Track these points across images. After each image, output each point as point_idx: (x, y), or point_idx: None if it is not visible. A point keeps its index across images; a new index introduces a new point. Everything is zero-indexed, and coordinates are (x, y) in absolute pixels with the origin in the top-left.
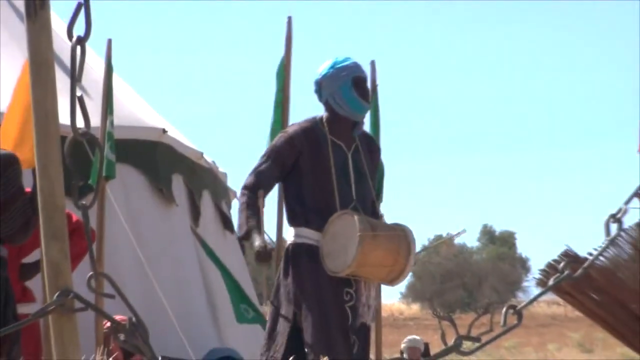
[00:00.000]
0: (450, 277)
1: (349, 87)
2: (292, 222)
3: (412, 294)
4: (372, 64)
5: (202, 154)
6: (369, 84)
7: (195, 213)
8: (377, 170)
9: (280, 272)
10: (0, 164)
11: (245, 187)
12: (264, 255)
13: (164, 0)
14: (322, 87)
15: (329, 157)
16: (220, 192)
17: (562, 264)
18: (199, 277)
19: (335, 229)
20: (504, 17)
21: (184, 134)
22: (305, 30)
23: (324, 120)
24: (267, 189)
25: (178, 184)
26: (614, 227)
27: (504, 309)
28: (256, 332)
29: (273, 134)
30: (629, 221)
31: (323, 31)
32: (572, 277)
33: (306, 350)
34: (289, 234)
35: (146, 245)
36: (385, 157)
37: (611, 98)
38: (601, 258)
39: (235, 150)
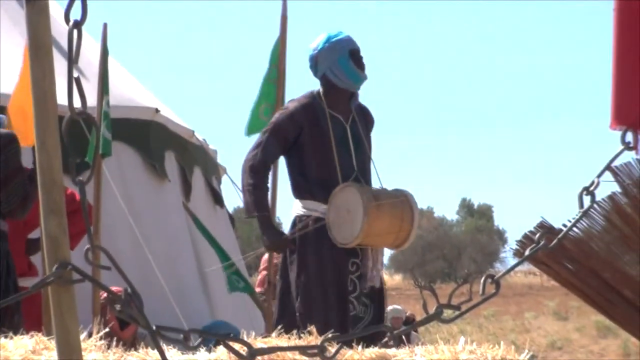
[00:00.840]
0: (431, 249)
1: (347, 59)
2: (297, 194)
3: (395, 265)
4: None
5: (193, 132)
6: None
7: (187, 188)
8: (370, 138)
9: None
10: (0, 143)
11: (251, 167)
12: (280, 246)
13: None
14: (319, 62)
15: (328, 130)
16: (211, 168)
17: (537, 235)
18: (191, 250)
19: (339, 201)
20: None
21: (176, 113)
22: (299, 11)
23: (321, 94)
24: (270, 165)
25: (170, 161)
26: (587, 200)
27: (482, 279)
28: (245, 302)
29: (258, 108)
30: (601, 194)
31: (317, 11)
32: (547, 248)
33: (297, 316)
34: (295, 206)
35: (140, 219)
36: None
37: (586, 75)
38: (575, 229)
39: (225, 128)
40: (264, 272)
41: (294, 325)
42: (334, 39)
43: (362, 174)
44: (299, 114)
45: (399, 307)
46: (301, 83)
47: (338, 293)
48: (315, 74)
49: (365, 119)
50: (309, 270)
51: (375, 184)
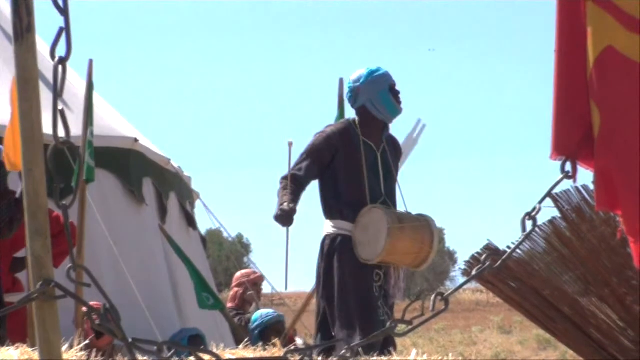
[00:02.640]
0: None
1: (387, 93)
2: (328, 215)
3: None
4: (341, 81)
5: (169, 160)
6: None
7: (163, 212)
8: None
9: (321, 264)
10: None
11: (293, 176)
12: (287, 216)
13: (137, 23)
14: (360, 93)
15: (361, 155)
16: (185, 193)
17: (484, 256)
18: (166, 269)
19: (366, 221)
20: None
21: (154, 143)
22: (263, 48)
23: (357, 122)
24: (306, 185)
25: (148, 187)
26: (529, 224)
27: (433, 297)
28: (215, 318)
29: None
30: (542, 219)
31: (291, 49)
32: (493, 268)
33: (333, 333)
34: (325, 226)
35: (119, 240)
36: None
37: (528, 109)
38: (518, 251)
39: (198, 157)
40: (236, 289)
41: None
42: (376, 74)
43: (390, 198)
44: (335, 137)
45: None
46: None
47: (362, 300)
48: (354, 104)
49: (395, 149)
50: (335, 284)
51: (400, 208)
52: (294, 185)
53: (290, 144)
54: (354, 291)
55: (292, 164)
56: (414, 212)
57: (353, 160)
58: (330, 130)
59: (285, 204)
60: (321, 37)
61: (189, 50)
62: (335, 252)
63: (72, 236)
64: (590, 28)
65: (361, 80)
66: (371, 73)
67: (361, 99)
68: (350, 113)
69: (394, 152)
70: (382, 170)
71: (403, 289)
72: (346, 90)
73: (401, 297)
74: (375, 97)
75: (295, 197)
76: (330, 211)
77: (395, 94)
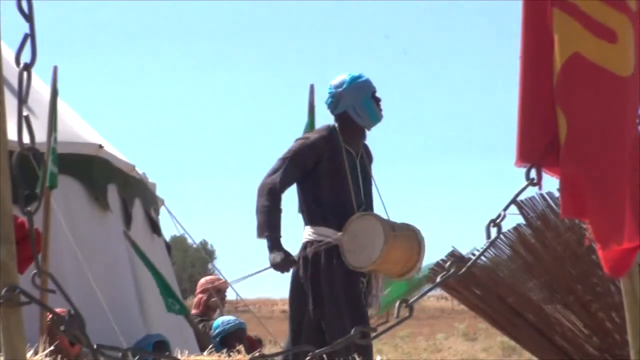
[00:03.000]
0: None
1: (370, 99)
2: (310, 221)
3: None
4: (311, 87)
5: (134, 166)
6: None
7: (128, 218)
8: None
9: (297, 270)
10: None
11: (270, 190)
12: (285, 266)
13: (102, 30)
14: (341, 99)
15: (344, 162)
16: (150, 200)
17: (448, 263)
18: (130, 276)
19: (357, 228)
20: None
21: (118, 149)
22: (236, 56)
23: (337, 129)
24: (283, 192)
25: (113, 193)
26: (494, 231)
27: (397, 304)
28: (179, 324)
29: None
30: (507, 226)
31: (264, 54)
32: (457, 275)
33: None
34: (305, 232)
35: (84, 247)
36: None
37: (494, 115)
38: (483, 258)
39: (163, 163)
40: (200, 295)
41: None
42: (359, 80)
43: (369, 206)
44: (320, 144)
45: None
46: None
47: (354, 307)
48: (334, 110)
49: (368, 155)
50: (324, 291)
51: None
52: (274, 207)
53: None
54: (345, 298)
55: (271, 169)
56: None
57: (337, 167)
58: (314, 138)
59: (277, 254)
60: (291, 43)
61: (153, 56)
62: (320, 259)
63: (36, 242)
64: (557, 34)
65: (344, 86)
66: (354, 79)
67: (343, 105)
68: (321, 119)
69: (367, 159)
70: (361, 176)
71: (379, 298)
72: (326, 95)
73: (377, 306)
74: (358, 103)
75: (276, 228)
76: (311, 218)
77: (377, 100)
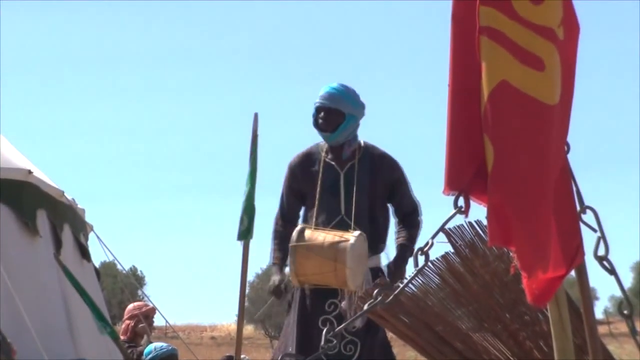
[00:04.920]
0: (278, 303)
1: (314, 116)
2: None
3: (247, 316)
4: (255, 116)
5: (63, 192)
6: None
7: (58, 243)
8: (386, 184)
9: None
10: None
11: (274, 221)
12: (274, 292)
13: (31, 54)
14: None
15: (317, 176)
16: (79, 225)
17: (376, 291)
18: (60, 300)
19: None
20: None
21: (47, 174)
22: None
23: (323, 145)
24: (295, 215)
25: (42, 218)
26: (422, 259)
27: (324, 332)
28: (109, 349)
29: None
30: (435, 254)
31: (204, 84)
32: (385, 303)
33: None
34: None
35: (13, 271)
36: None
37: (422, 143)
38: (411, 286)
39: (92, 189)
40: (128, 321)
41: None
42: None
43: (350, 216)
44: (294, 162)
45: (246, 356)
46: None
47: (300, 330)
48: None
49: (374, 167)
50: (289, 313)
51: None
52: (273, 236)
53: None
54: (291, 322)
55: (279, 202)
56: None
57: (310, 183)
58: (292, 159)
59: (272, 280)
60: (233, 72)
61: (83, 82)
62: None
63: None
64: (484, 62)
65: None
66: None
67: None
68: (265, 149)
69: (370, 170)
70: (344, 189)
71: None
72: (353, 105)
73: (359, 322)
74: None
75: (271, 256)
76: None
77: (316, 116)
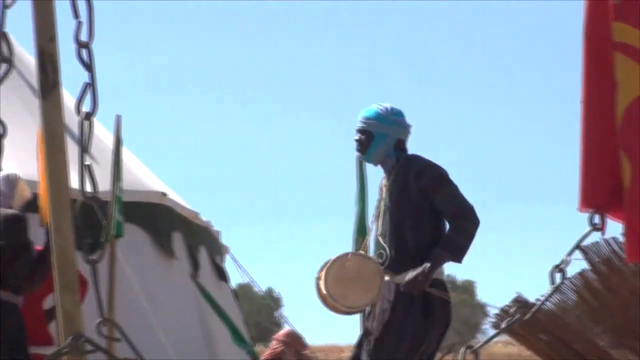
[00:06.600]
0: None
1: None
2: None
3: None
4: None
5: (197, 213)
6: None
7: (195, 265)
8: (417, 194)
9: None
10: (1, 223)
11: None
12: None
13: (163, 78)
14: None
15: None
16: (215, 247)
17: (513, 309)
18: (198, 322)
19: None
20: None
21: (182, 197)
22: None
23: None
24: None
25: (178, 240)
26: (558, 276)
27: (462, 349)
28: None
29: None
30: (572, 271)
31: (325, 102)
32: (522, 320)
33: None
34: None
35: (150, 294)
36: None
37: (558, 162)
38: (548, 304)
39: (227, 210)
40: (278, 344)
41: None
42: None
43: (384, 238)
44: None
45: None
46: None
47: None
48: None
49: (406, 178)
50: None
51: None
52: None
53: None
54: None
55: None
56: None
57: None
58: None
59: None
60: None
61: (217, 104)
62: None
63: (82, 289)
64: (618, 79)
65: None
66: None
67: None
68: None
69: (399, 186)
70: (383, 209)
71: (377, 320)
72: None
73: (370, 326)
74: None
75: None
76: None
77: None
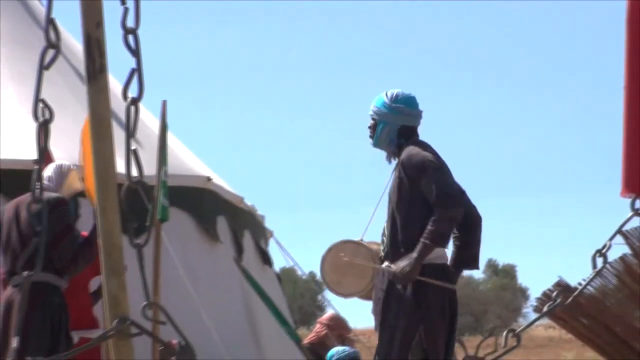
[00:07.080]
0: (460, 305)
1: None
2: None
3: None
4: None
5: (242, 198)
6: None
7: (239, 249)
8: (408, 183)
9: None
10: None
11: None
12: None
13: (209, 63)
14: None
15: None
16: (259, 231)
17: (555, 293)
18: (242, 305)
19: None
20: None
21: (226, 181)
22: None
23: None
24: None
25: (222, 225)
26: (600, 261)
27: (505, 333)
28: (292, 352)
29: None
30: (613, 255)
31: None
32: (564, 304)
33: None
34: None
35: (195, 277)
36: None
37: (599, 149)
38: (589, 288)
39: (272, 196)
40: (322, 328)
41: None
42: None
43: (388, 229)
44: None
45: None
46: None
47: None
48: None
49: (398, 165)
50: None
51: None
52: None
53: None
54: None
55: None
56: None
57: None
58: None
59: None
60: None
61: (262, 90)
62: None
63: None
64: None
65: None
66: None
67: None
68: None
69: (394, 171)
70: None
71: (375, 312)
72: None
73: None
74: None
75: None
76: None
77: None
